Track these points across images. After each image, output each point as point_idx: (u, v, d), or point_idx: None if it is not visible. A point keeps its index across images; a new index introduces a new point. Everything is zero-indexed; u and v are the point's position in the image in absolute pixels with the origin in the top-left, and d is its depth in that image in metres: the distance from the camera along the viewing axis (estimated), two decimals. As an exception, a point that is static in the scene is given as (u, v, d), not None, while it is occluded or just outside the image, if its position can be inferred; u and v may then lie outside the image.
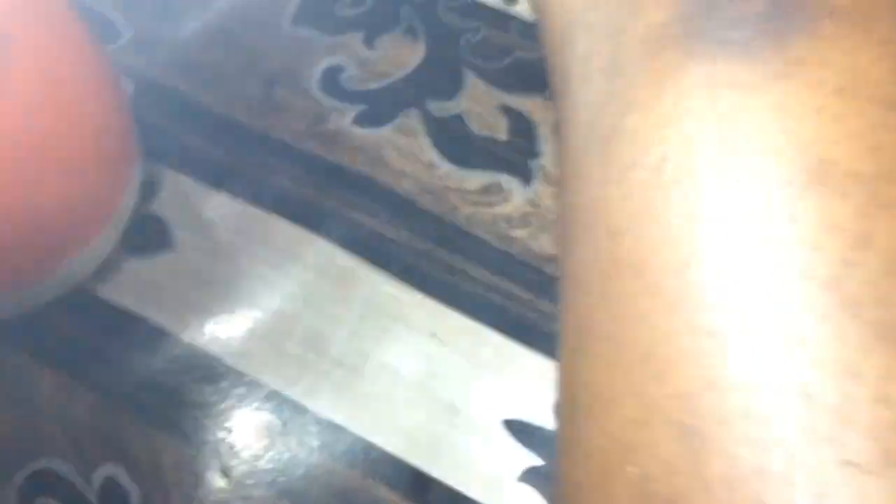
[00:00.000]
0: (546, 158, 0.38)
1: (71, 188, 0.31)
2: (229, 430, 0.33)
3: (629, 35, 0.18)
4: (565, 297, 0.18)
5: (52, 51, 0.30)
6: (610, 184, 0.17)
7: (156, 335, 0.34)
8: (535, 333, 0.35)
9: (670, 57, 0.17)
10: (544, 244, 0.37)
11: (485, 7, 0.41)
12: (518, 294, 0.36)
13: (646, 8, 0.18)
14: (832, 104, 0.16)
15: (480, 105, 0.39)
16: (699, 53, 0.16)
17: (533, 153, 0.38)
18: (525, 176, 0.38)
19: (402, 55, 0.40)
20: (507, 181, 0.38)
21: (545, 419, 0.33)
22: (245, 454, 0.33)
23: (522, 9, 0.42)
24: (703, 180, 0.16)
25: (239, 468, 0.33)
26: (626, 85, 0.17)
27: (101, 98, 0.32)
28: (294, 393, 0.33)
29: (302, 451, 0.33)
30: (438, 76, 0.39)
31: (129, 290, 0.35)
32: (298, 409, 0.33)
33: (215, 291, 0.35)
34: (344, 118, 0.38)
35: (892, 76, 0.16)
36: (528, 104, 0.39)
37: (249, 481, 0.33)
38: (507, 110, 0.39)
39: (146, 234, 0.36)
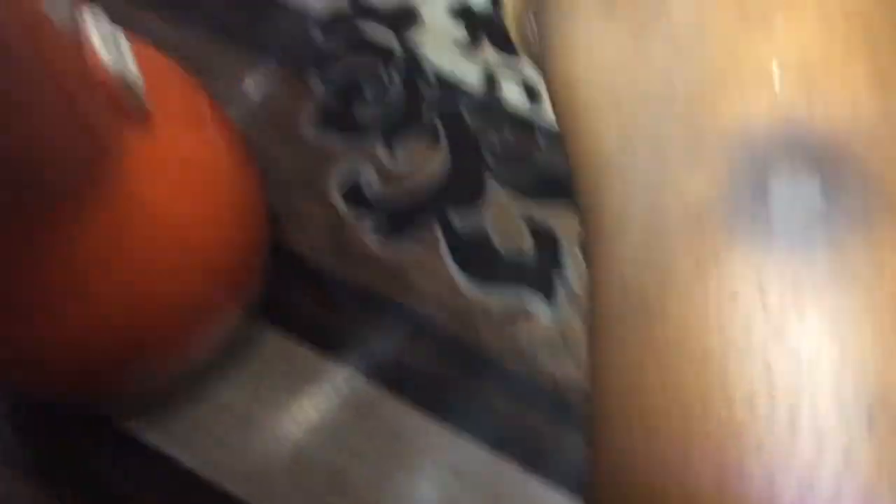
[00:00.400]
0: (572, 277, 0.37)
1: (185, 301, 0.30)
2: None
3: (668, 200, 0.17)
4: (596, 476, 0.18)
5: (190, 135, 0.30)
6: (648, 364, 0.16)
7: (177, 473, 0.33)
8: (557, 468, 0.34)
9: (715, 238, 0.16)
10: (569, 370, 0.35)
11: (509, 109, 0.40)
12: (540, 426, 0.35)
13: (686, 172, 0.17)
14: (889, 319, 0.15)
15: (504, 217, 0.38)
16: (746, 241, 0.15)
17: (558, 271, 0.37)
18: (550, 296, 0.36)
19: (424, 161, 0.39)
20: (532, 301, 0.36)
21: (569, 567, 0.33)
22: None
23: (548, 112, 0.40)
24: (751, 387, 0.15)
25: None
26: (664, 256, 0.16)
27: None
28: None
29: None
30: (461, 184, 0.38)
31: (150, 423, 0.34)
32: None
33: (235, 423, 0.34)
34: (364, 231, 0.37)
35: None
36: (552, 215, 0.38)
37: None
38: (532, 222, 0.38)
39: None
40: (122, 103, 0.25)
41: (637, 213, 0.18)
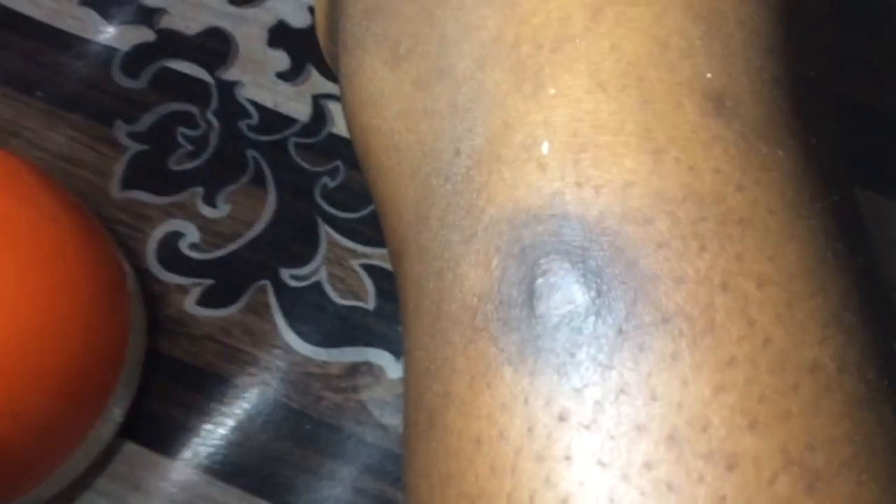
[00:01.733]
0: (418, 325, 0.34)
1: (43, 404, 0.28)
2: None
3: (450, 293, 0.15)
4: None
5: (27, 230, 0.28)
6: (430, 474, 0.15)
7: None
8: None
9: (486, 352, 0.14)
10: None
11: (344, 141, 0.37)
12: (393, 497, 0.32)
13: (465, 261, 0.15)
14: (659, 460, 0.13)
15: (340, 267, 0.35)
16: (513, 359, 0.14)
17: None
18: (396, 348, 0.34)
19: (250, 211, 0.35)
20: (377, 357, 0.34)
21: None
22: None
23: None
24: None
25: None
26: (446, 366, 0.15)
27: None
28: None
29: None
30: (291, 235, 0.35)
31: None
32: None
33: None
34: (186, 298, 0.34)
35: (733, 420, 0.13)
36: (395, 259, 0.35)
37: None
38: (372, 270, 0.35)
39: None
40: None
41: (426, 304, 0.16)
